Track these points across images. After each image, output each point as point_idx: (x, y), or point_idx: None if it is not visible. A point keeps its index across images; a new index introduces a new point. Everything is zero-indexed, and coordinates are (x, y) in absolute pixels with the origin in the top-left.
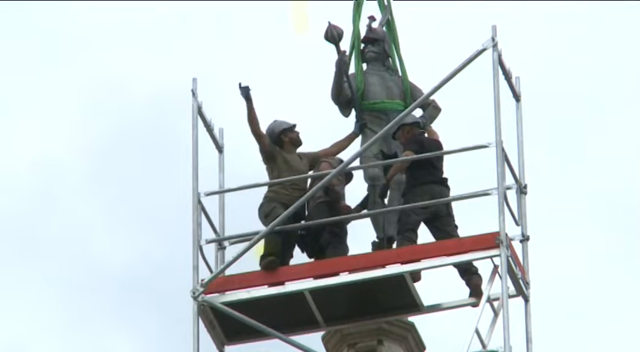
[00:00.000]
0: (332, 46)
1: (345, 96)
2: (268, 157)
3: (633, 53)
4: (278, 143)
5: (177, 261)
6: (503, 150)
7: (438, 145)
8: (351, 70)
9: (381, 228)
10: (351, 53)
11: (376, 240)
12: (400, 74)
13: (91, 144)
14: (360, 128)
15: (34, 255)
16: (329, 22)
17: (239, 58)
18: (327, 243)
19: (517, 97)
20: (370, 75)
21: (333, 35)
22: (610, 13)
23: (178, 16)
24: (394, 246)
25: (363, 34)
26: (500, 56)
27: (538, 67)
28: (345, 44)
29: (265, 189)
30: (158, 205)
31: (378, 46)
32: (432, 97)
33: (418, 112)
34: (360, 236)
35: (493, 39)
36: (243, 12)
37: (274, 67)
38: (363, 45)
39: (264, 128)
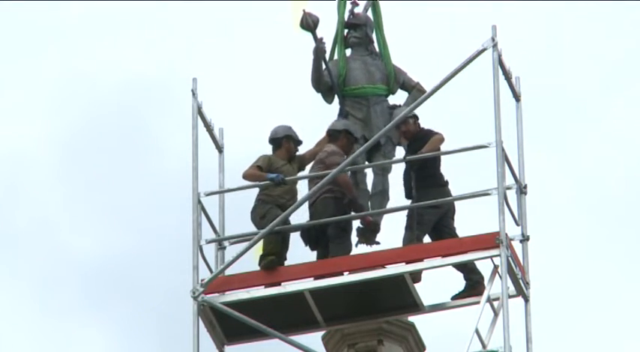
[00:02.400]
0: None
1: (325, 83)
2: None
3: (633, 53)
4: (277, 144)
5: (170, 261)
6: (503, 150)
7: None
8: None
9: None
10: (335, 39)
11: (361, 226)
12: (383, 58)
13: (60, 137)
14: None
15: (3, 248)
16: (303, 10)
17: (239, 58)
18: (333, 236)
19: (517, 97)
20: (353, 60)
21: (308, 23)
22: (610, 13)
23: (177, 15)
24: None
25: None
26: (500, 56)
27: (538, 67)
28: (324, 31)
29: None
30: (128, 200)
31: (361, 31)
32: (416, 80)
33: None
34: (354, 236)
35: (493, 39)
36: (243, 12)
37: (274, 67)
38: (346, 30)
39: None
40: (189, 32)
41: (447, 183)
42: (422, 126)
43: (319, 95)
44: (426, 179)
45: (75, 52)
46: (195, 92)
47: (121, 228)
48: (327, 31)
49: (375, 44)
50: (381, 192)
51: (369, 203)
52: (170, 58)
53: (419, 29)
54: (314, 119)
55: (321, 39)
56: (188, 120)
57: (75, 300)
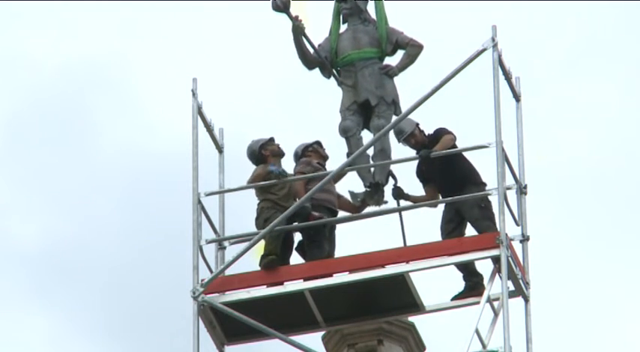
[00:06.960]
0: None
1: (313, 59)
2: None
3: (633, 53)
4: (261, 160)
5: (169, 261)
6: (503, 150)
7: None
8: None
9: (370, 175)
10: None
11: (367, 189)
12: (376, 21)
13: (1, 120)
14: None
15: None
16: None
17: (239, 58)
18: (307, 246)
19: (517, 97)
20: (346, 32)
21: (278, 5)
22: (610, 13)
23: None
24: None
25: None
26: (500, 56)
27: (538, 67)
28: (320, 30)
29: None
30: (66, 188)
31: (351, 2)
32: (410, 36)
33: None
34: (354, 236)
35: (493, 39)
36: (243, 12)
37: (274, 67)
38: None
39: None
40: (189, 32)
41: (485, 183)
42: (426, 131)
43: (317, 72)
44: (462, 179)
45: (23, 34)
46: (195, 92)
47: (64, 215)
48: (322, 29)
49: (372, 11)
50: (380, 151)
51: (371, 162)
52: (169, 56)
53: (419, 29)
54: (314, 119)
55: (297, 17)
56: (188, 120)
57: (19, 288)
